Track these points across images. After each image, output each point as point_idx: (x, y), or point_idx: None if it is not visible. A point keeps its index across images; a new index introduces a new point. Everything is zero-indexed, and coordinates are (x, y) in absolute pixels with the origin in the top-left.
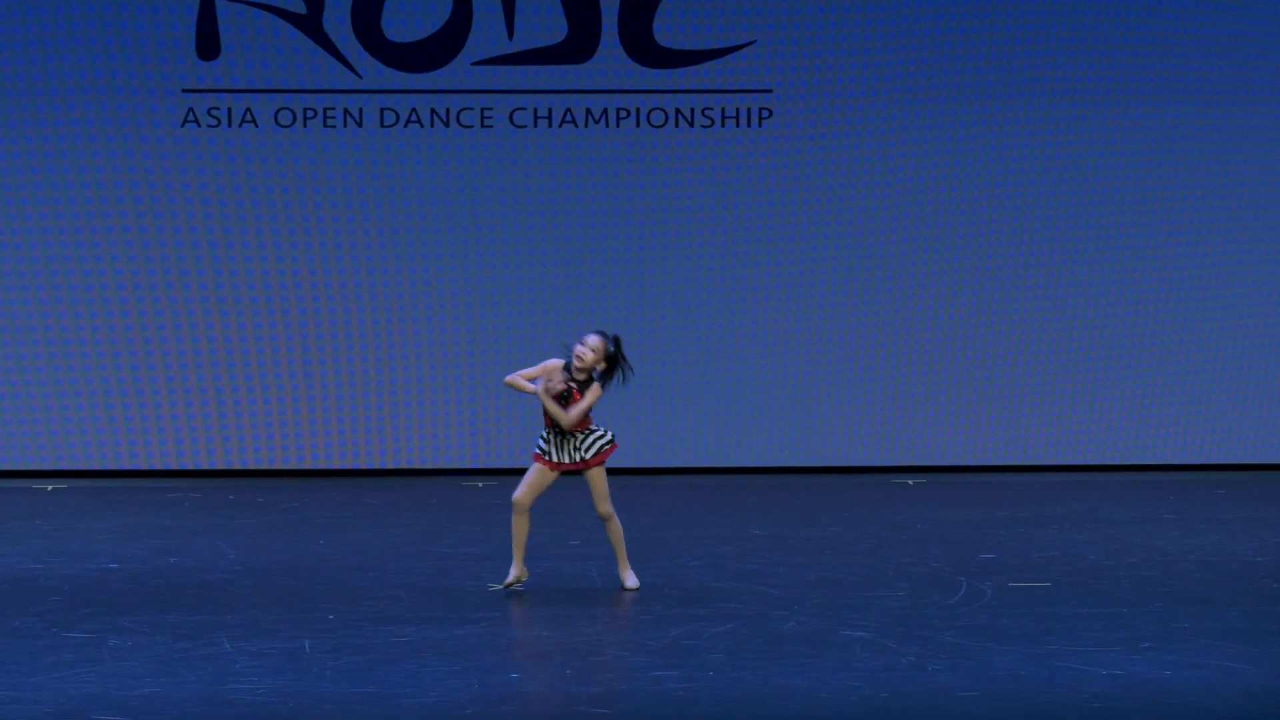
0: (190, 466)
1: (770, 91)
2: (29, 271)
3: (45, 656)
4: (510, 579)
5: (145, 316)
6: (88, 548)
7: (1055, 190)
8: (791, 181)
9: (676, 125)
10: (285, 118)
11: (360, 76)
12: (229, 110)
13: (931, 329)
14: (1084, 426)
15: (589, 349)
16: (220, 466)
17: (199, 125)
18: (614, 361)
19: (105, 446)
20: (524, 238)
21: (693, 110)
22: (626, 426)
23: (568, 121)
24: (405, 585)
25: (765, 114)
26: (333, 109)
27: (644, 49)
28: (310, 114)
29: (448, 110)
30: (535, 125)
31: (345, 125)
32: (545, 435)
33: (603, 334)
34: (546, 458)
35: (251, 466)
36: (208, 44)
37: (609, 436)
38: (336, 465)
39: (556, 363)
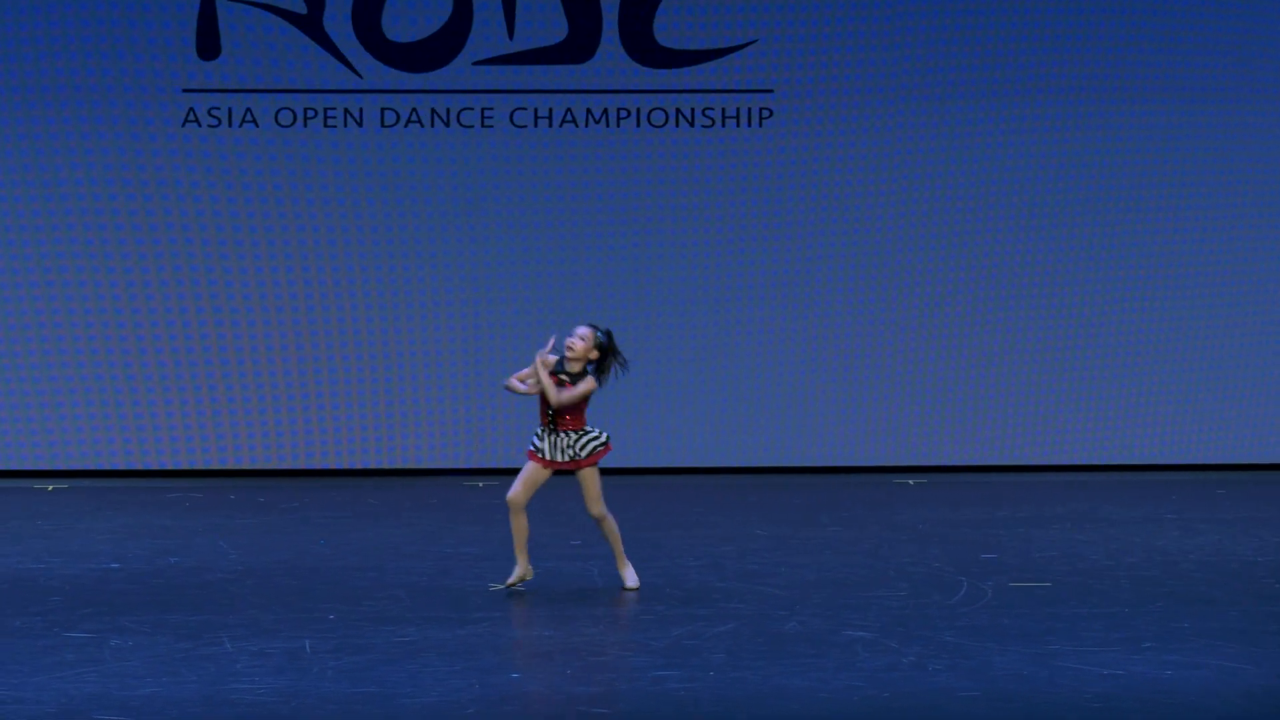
0: (190, 466)
1: (771, 91)
2: (30, 271)
3: (46, 656)
4: (514, 578)
5: (146, 316)
6: (88, 548)
7: (1057, 190)
8: (791, 181)
9: (677, 125)
10: (286, 118)
11: (361, 76)
12: (229, 110)
13: (932, 328)
14: (1084, 426)
15: (578, 338)
16: (220, 466)
17: (199, 125)
18: (606, 353)
19: (105, 446)
20: (524, 238)
21: (693, 110)
22: (626, 426)
23: (568, 121)
24: (406, 585)
25: (766, 114)
26: (333, 109)
27: (644, 49)
28: (311, 114)
29: (448, 110)
30: (535, 125)
31: (346, 125)
32: (539, 432)
33: (593, 326)
34: (540, 455)
35: (251, 466)
36: (208, 44)
37: (603, 438)
38: (336, 465)
39: (550, 359)
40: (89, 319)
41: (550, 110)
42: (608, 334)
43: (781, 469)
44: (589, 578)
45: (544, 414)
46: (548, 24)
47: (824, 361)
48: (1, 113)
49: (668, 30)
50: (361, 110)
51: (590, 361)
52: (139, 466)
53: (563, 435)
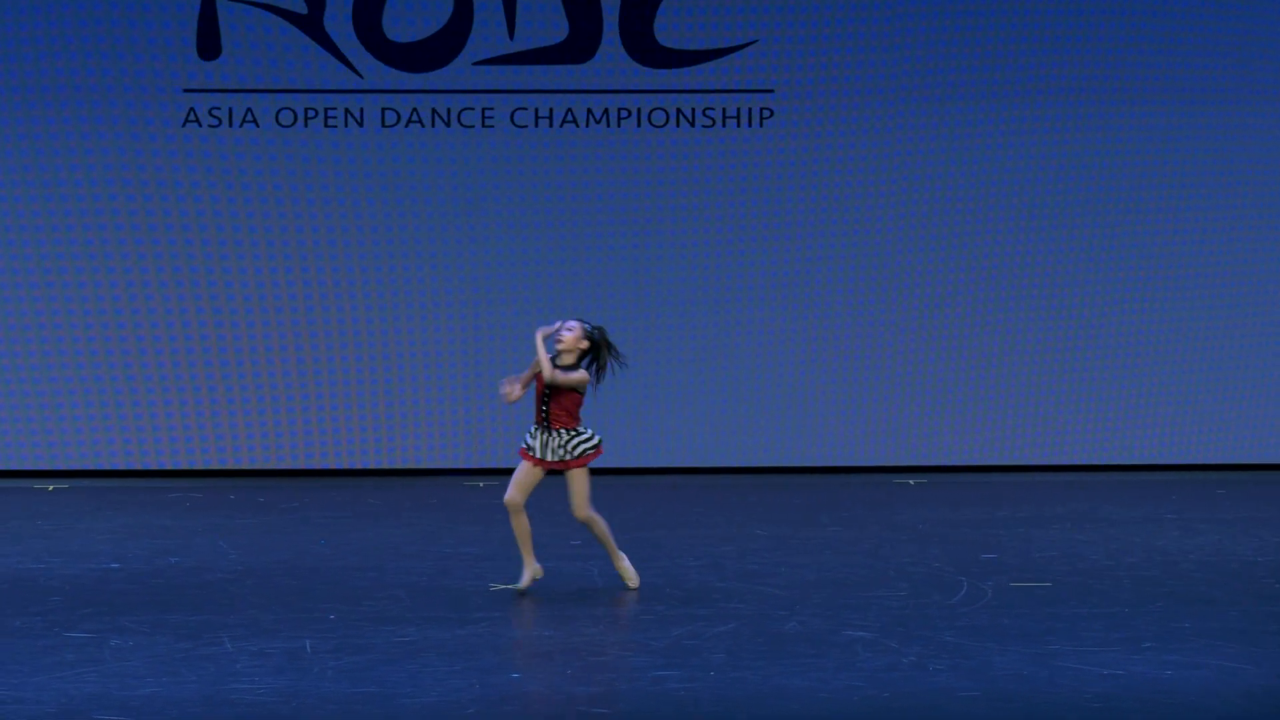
0: (190, 466)
1: (771, 91)
2: (30, 271)
3: (46, 656)
4: (525, 580)
5: (146, 316)
6: (88, 548)
7: (1057, 190)
8: (791, 181)
9: (677, 125)
10: (286, 118)
11: (361, 76)
12: (230, 110)
13: (932, 328)
14: (1084, 426)
15: (566, 329)
16: (220, 466)
17: (200, 125)
18: (597, 345)
19: (105, 446)
20: (524, 238)
21: (694, 110)
22: (626, 426)
23: (569, 121)
24: (406, 585)
25: (766, 114)
26: (334, 109)
27: (645, 49)
28: (311, 114)
29: (449, 110)
30: (536, 125)
31: (346, 125)
32: (532, 431)
33: (582, 321)
34: (531, 453)
35: (251, 466)
36: (208, 44)
37: (594, 441)
38: (336, 465)
39: (552, 328)
40: (89, 319)
41: (551, 110)
42: (600, 330)
43: (781, 469)
44: (589, 578)
45: (539, 411)
46: (548, 24)
47: (824, 362)
48: (1, 113)
49: (668, 30)
50: (362, 110)
51: (583, 355)
52: (139, 466)
53: (555, 434)
